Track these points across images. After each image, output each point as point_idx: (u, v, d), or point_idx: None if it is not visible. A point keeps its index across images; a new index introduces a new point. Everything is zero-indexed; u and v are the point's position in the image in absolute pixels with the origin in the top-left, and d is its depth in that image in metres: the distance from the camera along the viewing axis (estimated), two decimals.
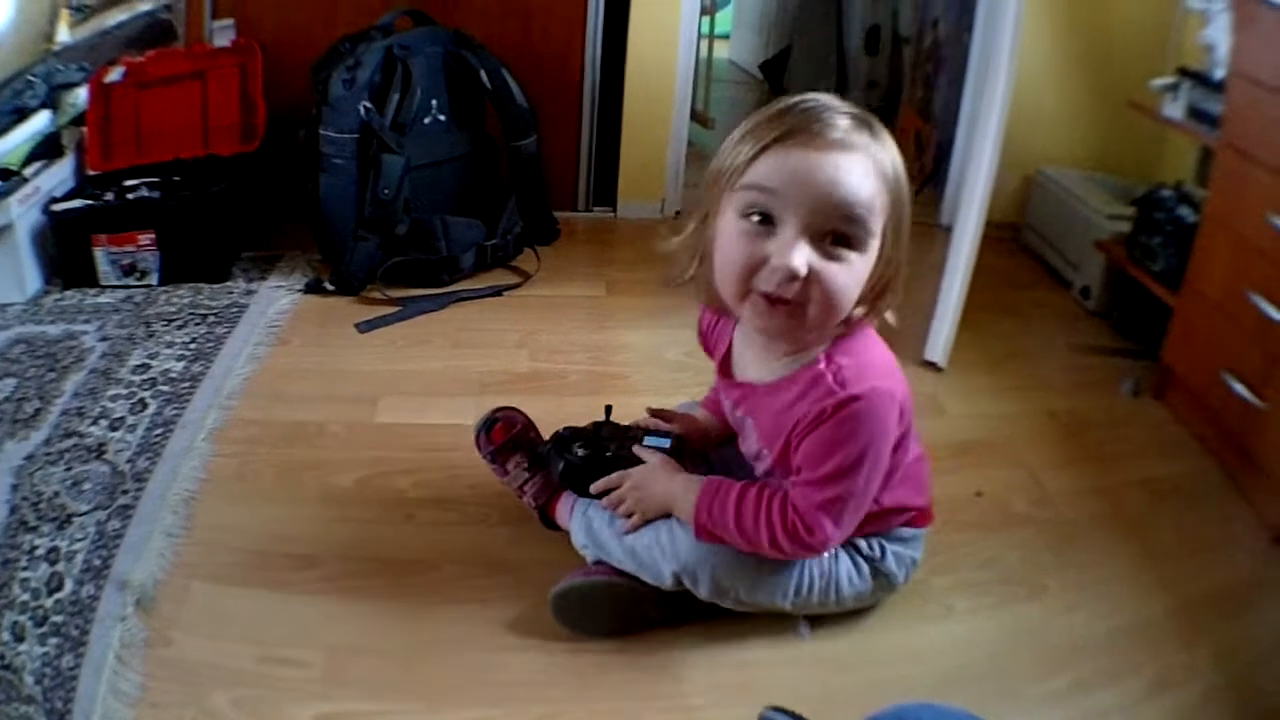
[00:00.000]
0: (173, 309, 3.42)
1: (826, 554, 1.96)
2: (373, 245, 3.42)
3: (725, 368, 2.02)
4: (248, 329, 3.22)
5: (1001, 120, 2.84)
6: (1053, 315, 3.63)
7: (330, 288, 3.44)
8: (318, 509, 2.43)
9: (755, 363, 1.93)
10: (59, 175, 3.90)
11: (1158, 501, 2.65)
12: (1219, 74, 3.17)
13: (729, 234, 1.67)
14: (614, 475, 2.04)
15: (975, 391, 3.00)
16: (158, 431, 2.76)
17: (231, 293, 3.47)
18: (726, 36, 7.85)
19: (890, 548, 2.03)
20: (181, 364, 3.06)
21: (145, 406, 2.88)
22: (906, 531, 2.06)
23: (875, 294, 1.75)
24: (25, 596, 2.23)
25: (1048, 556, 2.38)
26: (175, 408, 2.85)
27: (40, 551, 2.36)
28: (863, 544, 2.01)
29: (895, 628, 2.11)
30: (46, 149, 4.02)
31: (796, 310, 1.65)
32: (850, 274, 1.63)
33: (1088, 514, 2.56)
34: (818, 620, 2.07)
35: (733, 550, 1.90)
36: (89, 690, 1.94)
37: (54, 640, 2.08)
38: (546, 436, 2.26)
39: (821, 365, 1.76)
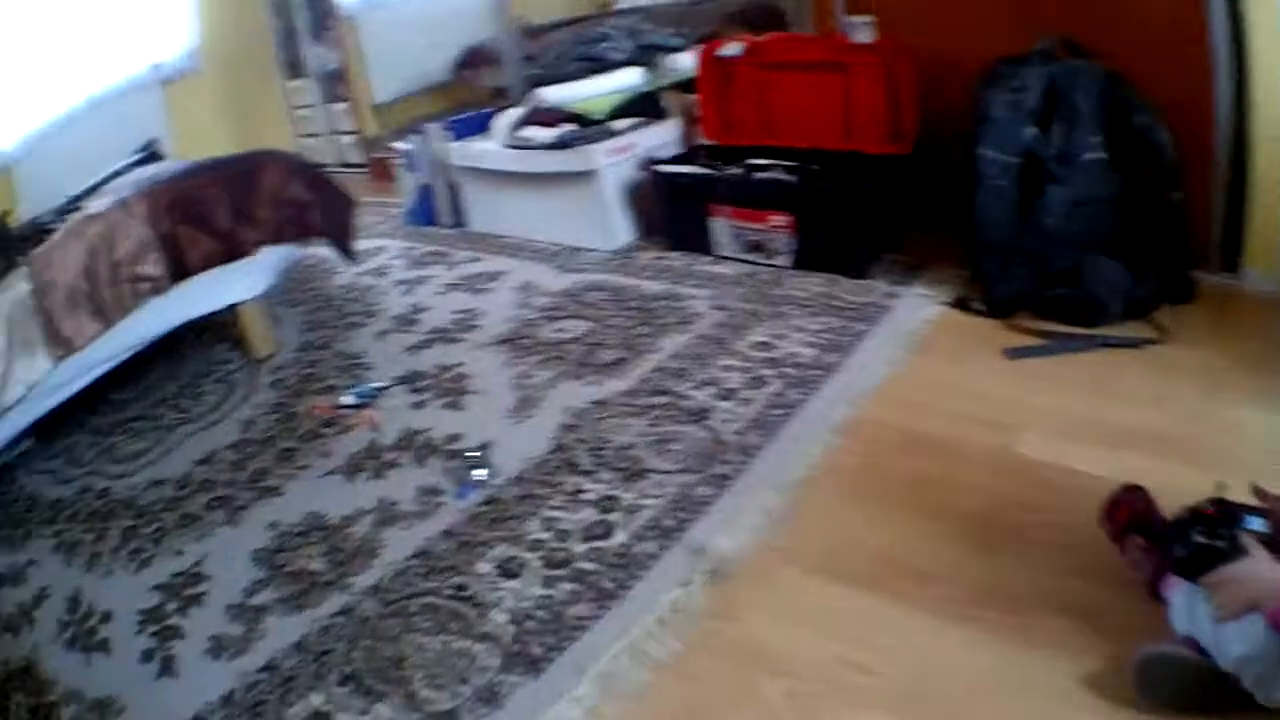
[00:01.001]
0: (804, 295, 3.29)
1: None
2: (1026, 273, 3.22)
3: None
4: (887, 331, 3.02)
5: None
6: None
7: (979, 307, 3.26)
8: (937, 526, 2.28)
9: None
10: (659, 136, 3.90)
11: None
12: None
13: None
14: (1220, 570, 1.90)
15: None
16: (776, 412, 2.62)
17: (872, 292, 3.28)
18: None
19: None
20: (812, 351, 2.92)
21: (764, 384, 2.75)
22: None
23: None
24: (543, 535, 2.25)
25: None
26: (800, 393, 2.71)
27: (588, 496, 2.35)
28: None
29: None
30: (642, 107, 4.02)
31: None
32: None
33: None
34: None
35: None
36: (598, 644, 1.92)
37: (569, 586, 2.07)
38: (1164, 506, 2.09)
39: None
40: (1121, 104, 3.38)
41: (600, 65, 4.29)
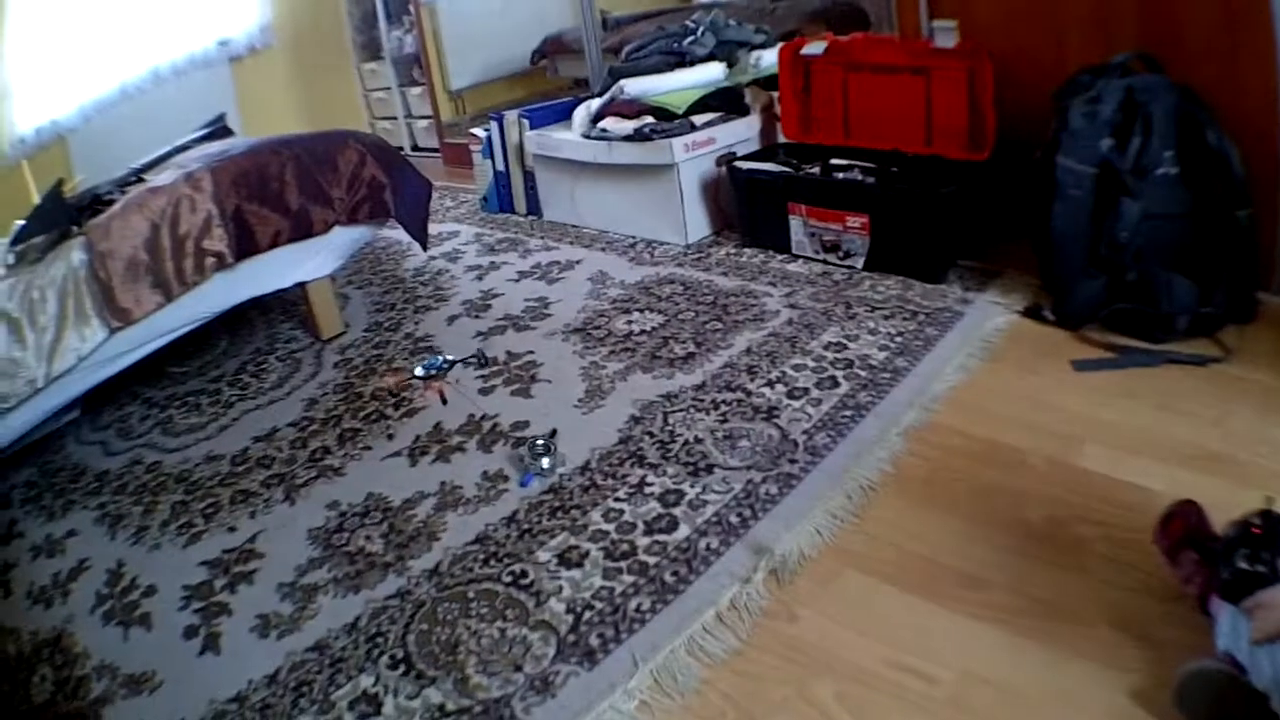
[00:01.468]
0: (878, 297, 3.27)
1: None
2: (1100, 285, 3.20)
3: None
4: (960, 337, 3.00)
5: None
6: None
7: (1050, 317, 3.23)
8: (1000, 535, 2.28)
9: None
10: (739, 133, 3.89)
11: None
12: None
13: None
14: (1259, 595, 1.92)
15: None
16: (846, 413, 2.61)
17: (945, 297, 3.25)
18: None
19: None
20: (884, 354, 2.90)
21: (836, 384, 2.74)
22: None
23: None
24: (606, 526, 2.25)
25: None
26: (870, 395, 2.69)
27: (653, 489, 2.35)
28: None
29: None
30: (722, 102, 4.01)
31: None
32: None
33: None
34: None
35: None
36: (656, 639, 1.92)
37: (630, 578, 2.08)
38: (1220, 524, 2.08)
39: None
40: (1194, 120, 3.36)
41: (682, 59, 4.27)
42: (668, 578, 2.06)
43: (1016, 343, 3.10)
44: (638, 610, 1.98)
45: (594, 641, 1.92)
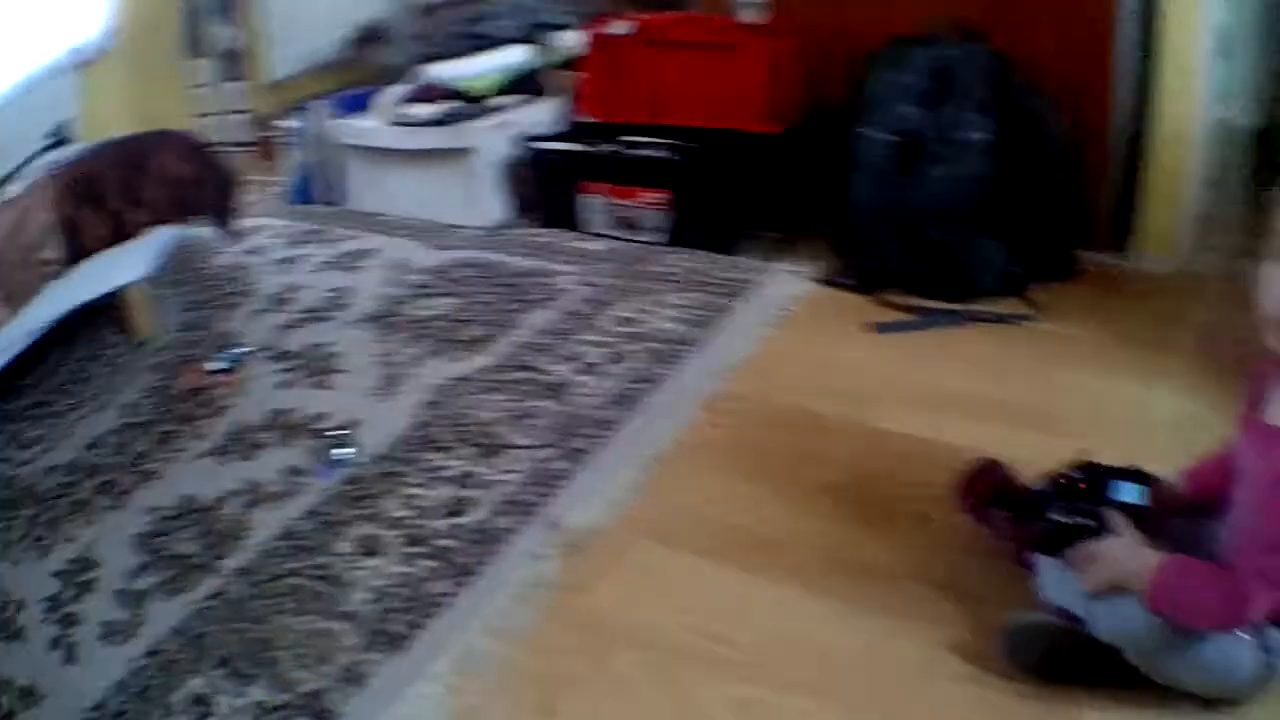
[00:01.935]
0: (675, 271, 3.32)
1: (1239, 636, 1.86)
2: (897, 250, 3.29)
3: (1258, 409, 1.92)
4: (754, 306, 3.05)
5: None
6: None
7: (847, 283, 3.32)
8: (796, 498, 2.32)
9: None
10: (539, 114, 3.89)
11: None
12: None
13: (1266, 280, 1.70)
14: (1081, 548, 1.95)
15: None
16: (638, 386, 2.66)
17: (740, 268, 3.31)
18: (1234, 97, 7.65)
19: None
20: (678, 326, 2.94)
21: (624, 359, 2.78)
22: None
23: None
24: (404, 513, 2.26)
25: None
26: (664, 367, 2.73)
27: (448, 473, 2.37)
28: (1269, 633, 1.88)
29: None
30: (524, 85, 4.02)
31: None
32: None
33: None
34: (1211, 704, 1.93)
35: (1171, 624, 1.85)
36: (457, 620, 1.95)
37: (428, 563, 2.10)
38: (1029, 479, 2.12)
39: None
40: (1011, 86, 3.44)
41: (488, 42, 4.29)
42: (465, 560, 2.08)
43: (814, 309, 3.16)
44: (438, 595, 2.00)
45: (398, 629, 1.93)
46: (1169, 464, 2.16)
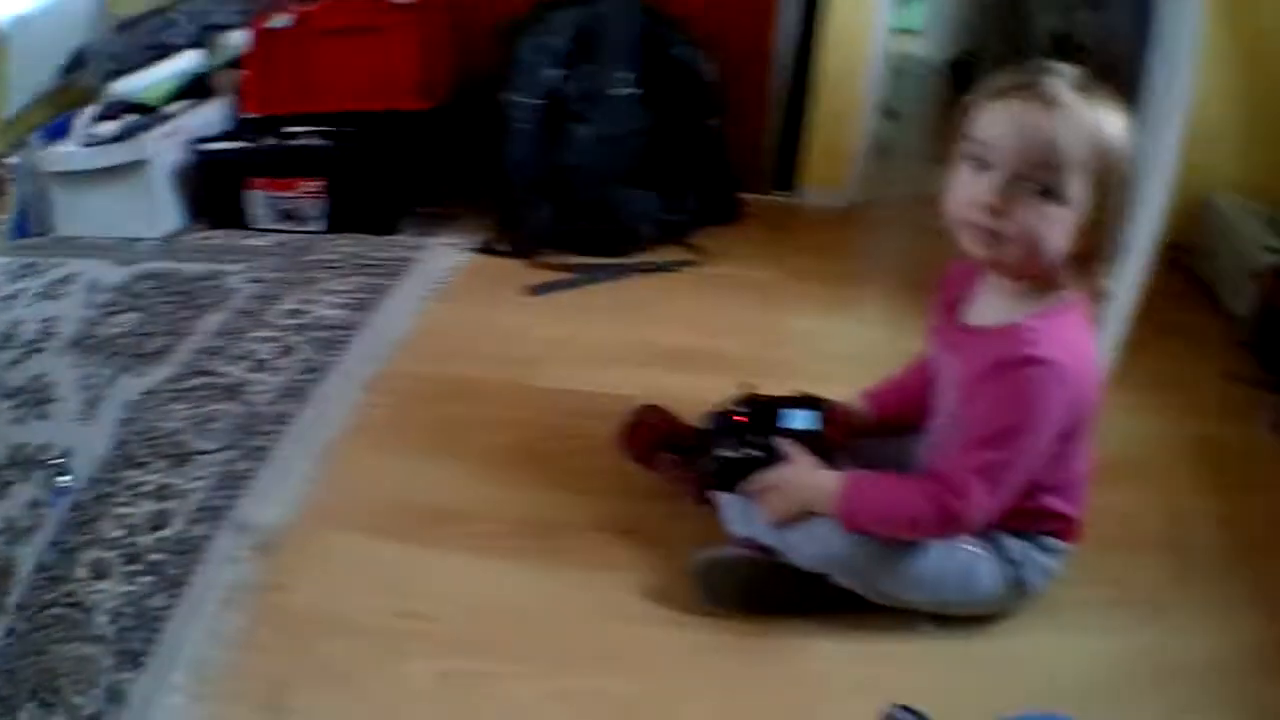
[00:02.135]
0: (335, 257, 3.38)
1: (966, 549, 1.95)
2: (551, 211, 3.36)
3: (954, 314, 2.03)
4: (414, 283, 3.17)
5: (1176, 139, 2.69)
6: (1211, 341, 3.42)
7: (504, 249, 3.38)
8: (468, 466, 2.39)
9: (984, 310, 1.96)
10: (207, 116, 3.90)
11: None
12: None
13: (958, 176, 1.79)
14: (758, 479, 2.00)
15: (1121, 408, 2.81)
16: (306, 376, 2.72)
17: (398, 246, 3.42)
18: (917, 32, 7.77)
19: (1034, 555, 2.00)
20: (340, 312, 3.01)
21: (292, 350, 2.84)
22: (1052, 543, 2.02)
23: (1081, 256, 1.80)
24: (118, 533, 2.24)
25: (1178, 580, 2.25)
26: (330, 354, 2.81)
27: (148, 488, 2.36)
28: (1007, 545, 1.98)
29: (1024, 634, 2.03)
30: (195, 89, 4.02)
31: (995, 241, 1.75)
32: (1045, 221, 1.72)
33: (1221, 541, 2.40)
34: (951, 620, 2.01)
35: (878, 541, 1.92)
36: (180, 631, 1.95)
37: (146, 579, 2.09)
38: (695, 419, 2.20)
39: (1021, 322, 1.81)
40: (658, 38, 3.50)
41: (168, 51, 4.26)
42: (176, 572, 2.11)
43: (473, 279, 3.29)
44: (160, 609, 2.03)
45: (136, 646, 1.95)
46: (847, 389, 2.29)
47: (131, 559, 2.16)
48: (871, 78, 3.95)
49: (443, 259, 3.34)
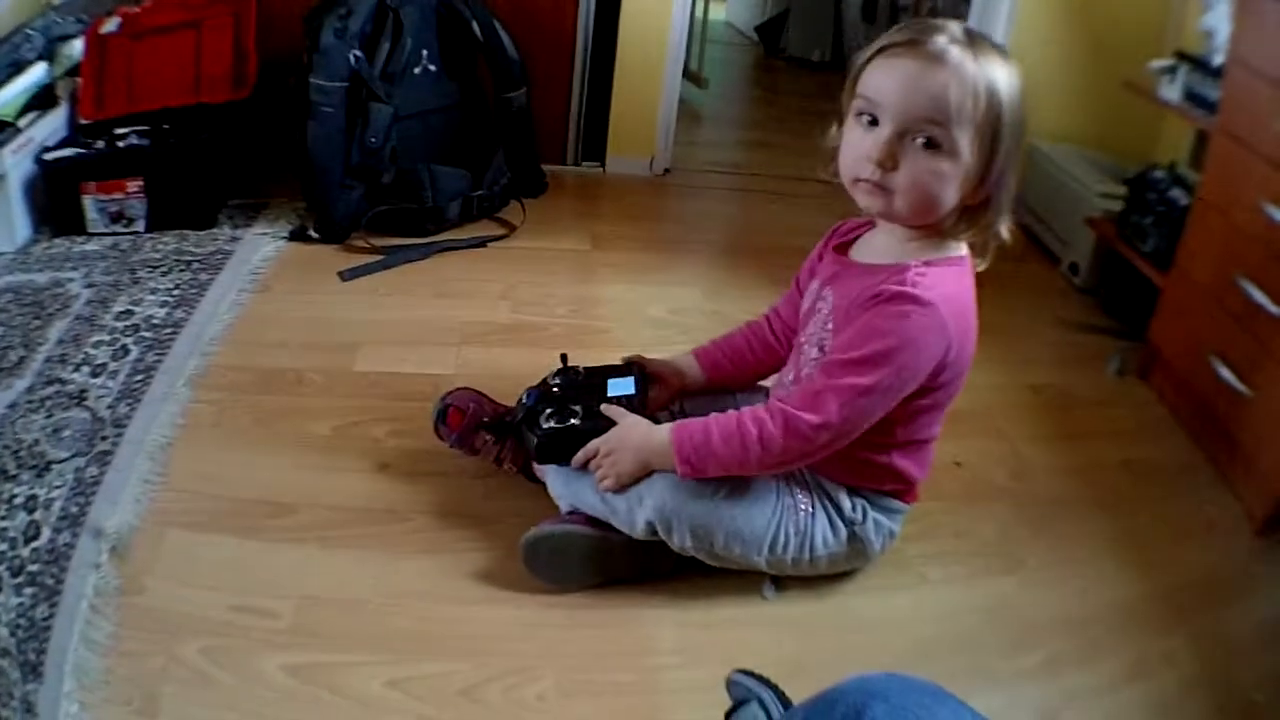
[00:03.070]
0: (158, 255, 3.43)
1: (804, 508, 2.02)
2: (359, 194, 3.45)
3: (840, 253, 2.13)
4: (231, 276, 3.23)
5: None
6: (1041, 290, 3.58)
7: (315, 236, 3.46)
8: (294, 457, 2.45)
9: (873, 250, 2.04)
10: (52, 125, 3.93)
11: (1139, 483, 2.65)
12: (1217, 60, 3.16)
13: (847, 132, 1.90)
14: (588, 446, 2.05)
15: None
16: (138, 378, 2.77)
17: (217, 239, 3.47)
18: None
19: (873, 514, 2.07)
20: (164, 310, 3.07)
21: (127, 353, 2.88)
22: (892, 503, 2.11)
23: (973, 209, 1.89)
24: (3, 546, 2.23)
25: (1025, 531, 2.38)
26: (156, 354, 2.86)
27: (19, 500, 2.37)
28: (845, 504, 2.05)
29: (867, 594, 2.12)
30: (41, 100, 4.04)
31: (886, 195, 1.83)
32: (933, 174, 1.79)
33: (1067, 491, 2.56)
34: (790, 583, 2.09)
35: (710, 499, 1.95)
36: (62, 640, 1.95)
37: (30, 590, 2.09)
38: (515, 394, 2.26)
39: (911, 264, 1.88)
40: (458, 15, 3.58)
41: (20, 68, 4.27)
42: (49, 581, 2.11)
43: (285, 268, 3.37)
44: (43, 619, 2.02)
45: (32, 657, 1.94)
46: (666, 353, 2.40)
47: (16, 571, 2.16)
48: (676, 45, 4.05)
49: (258, 249, 3.41)
